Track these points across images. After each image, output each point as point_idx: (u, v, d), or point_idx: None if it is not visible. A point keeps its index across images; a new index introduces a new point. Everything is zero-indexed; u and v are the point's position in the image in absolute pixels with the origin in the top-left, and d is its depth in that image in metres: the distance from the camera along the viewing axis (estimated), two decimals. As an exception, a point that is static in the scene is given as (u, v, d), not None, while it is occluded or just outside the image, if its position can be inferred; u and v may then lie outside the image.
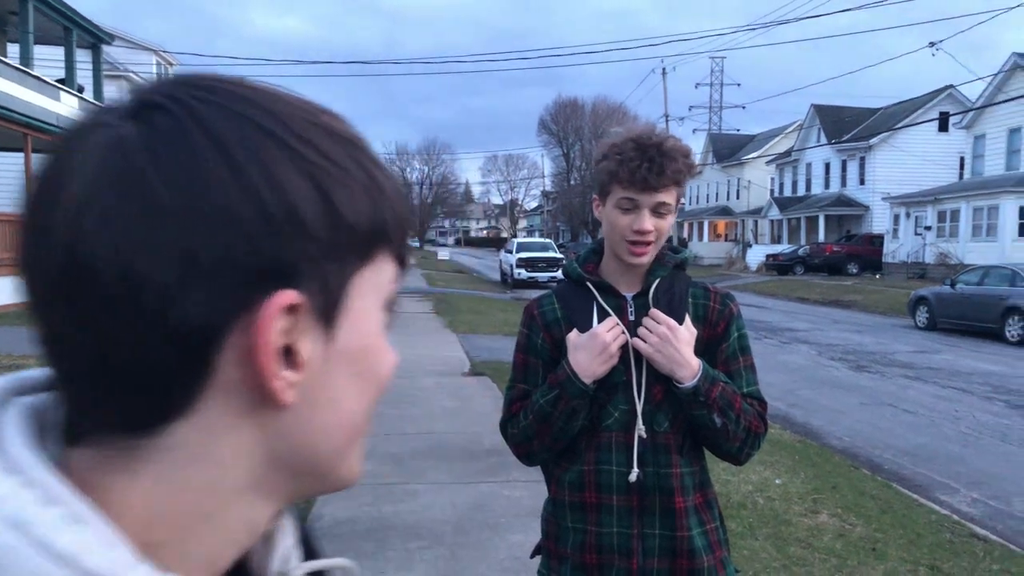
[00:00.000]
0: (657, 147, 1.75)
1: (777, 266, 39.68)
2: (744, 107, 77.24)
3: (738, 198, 56.10)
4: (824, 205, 43.14)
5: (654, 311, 1.82)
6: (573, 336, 1.83)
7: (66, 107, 19.28)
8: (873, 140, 41.38)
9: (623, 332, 1.81)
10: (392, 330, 0.52)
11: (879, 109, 46.58)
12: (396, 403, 8.64)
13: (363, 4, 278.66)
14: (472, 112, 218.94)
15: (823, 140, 45.13)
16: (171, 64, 34.66)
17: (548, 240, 40.45)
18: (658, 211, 1.78)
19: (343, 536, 4.69)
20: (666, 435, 1.82)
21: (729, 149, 60.60)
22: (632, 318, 1.85)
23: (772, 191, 51.78)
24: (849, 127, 44.56)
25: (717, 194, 60.15)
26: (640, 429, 1.79)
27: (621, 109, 77.62)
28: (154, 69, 32.69)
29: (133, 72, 29.12)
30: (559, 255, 32.81)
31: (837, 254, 38.17)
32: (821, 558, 4.63)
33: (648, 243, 1.80)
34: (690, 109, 79.97)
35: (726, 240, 57.34)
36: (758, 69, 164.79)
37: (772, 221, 49.28)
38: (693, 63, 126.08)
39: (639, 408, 1.80)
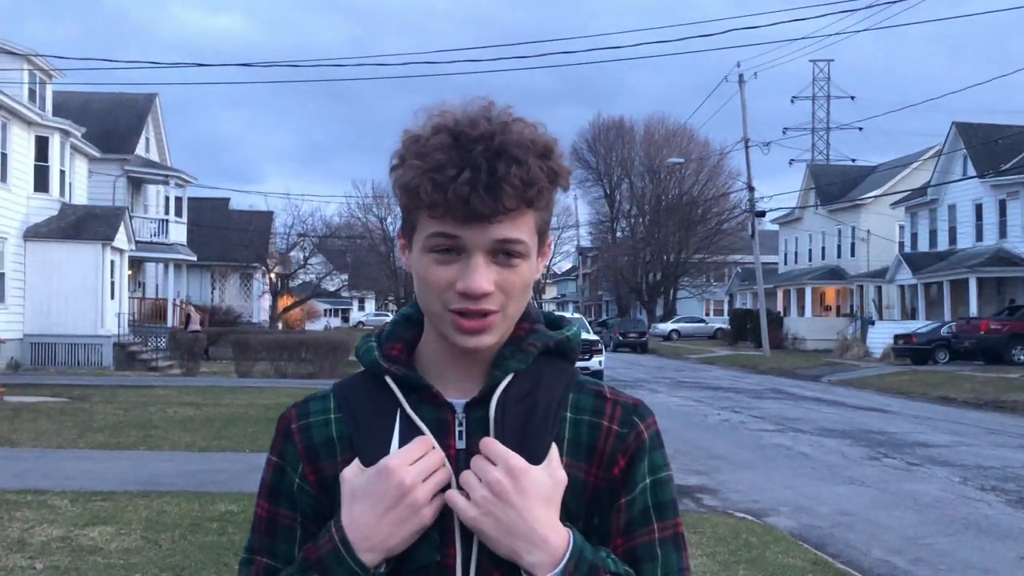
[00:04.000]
0: (487, 141, 1.45)
1: (911, 351, 39.71)
2: (861, 128, 77.73)
3: (853, 255, 56.22)
4: (976, 264, 42.94)
5: (487, 441, 1.51)
6: (350, 474, 1.52)
7: None
8: (1043, 171, 41.27)
9: (444, 466, 1.51)
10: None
11: (1050, 127, 46.64)
12: None
13: (324, 2, 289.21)
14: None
15: (971, 172, 45.25)
16: (49, 76, 35.33)
17: (578, 316, 40.30)
18: (503, 254, 1.49)
19: None
20: None
21: (839, 186, 60.80)
22: (463, 444, 1.54)
23: (901, 244, 51.87)
24: (1008, 155, 44.54)
25: (824, 249, 60.27)
26: None
27: (685, 131, 78.54)
28: (25, 78, 33.23)
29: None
30: (595, 337, 32.56)
31: (997, 333, 37.93)
32: None
33: (487, 312, 1.49)
34: (784, 132, 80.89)
35: (838, 315, 57.26)
36: (877, 76, 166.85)
37: (902, 287, 49.20)
38: (785, 65, 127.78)
39: None
